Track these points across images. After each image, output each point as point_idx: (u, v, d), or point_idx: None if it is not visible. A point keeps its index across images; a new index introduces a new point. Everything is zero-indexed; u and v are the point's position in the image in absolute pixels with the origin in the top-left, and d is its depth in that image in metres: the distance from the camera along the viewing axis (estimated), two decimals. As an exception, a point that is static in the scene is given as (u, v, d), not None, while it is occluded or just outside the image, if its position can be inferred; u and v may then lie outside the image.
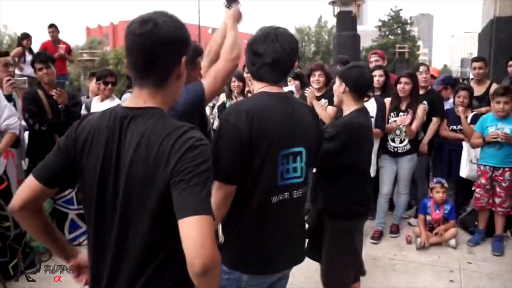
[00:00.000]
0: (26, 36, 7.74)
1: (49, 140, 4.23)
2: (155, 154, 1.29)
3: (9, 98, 4.13)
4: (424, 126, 5.08)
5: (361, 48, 39.78)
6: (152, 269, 1.35)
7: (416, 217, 5.06)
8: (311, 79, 4.95)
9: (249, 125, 1.81)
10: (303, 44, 53.89)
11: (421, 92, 5.05)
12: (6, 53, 4.81)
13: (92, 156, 1.39)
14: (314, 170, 2.85)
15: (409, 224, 5.20)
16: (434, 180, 4.79)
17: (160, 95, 1.41)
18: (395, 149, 4.78)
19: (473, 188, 4.75)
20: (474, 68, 5.67)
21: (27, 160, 4.54)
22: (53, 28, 8.12)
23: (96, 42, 51.54)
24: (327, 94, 4.73)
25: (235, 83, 5.73)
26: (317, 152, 2.09)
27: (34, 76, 5.19)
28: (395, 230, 4.91)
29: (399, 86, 4.77)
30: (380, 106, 4.61)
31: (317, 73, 4.95)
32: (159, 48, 1.34)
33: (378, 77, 5.01)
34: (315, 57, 52.25)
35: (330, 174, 2.75)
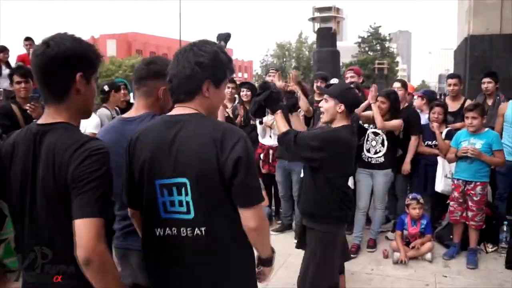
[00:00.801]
0: (3, 50, 7.66)
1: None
2: (59, 166, 1.44)
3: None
4: (401, 144, 5.14)
5: (341, 64, 40.40)
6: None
7: (393, 231, 5.10)
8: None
9: (128, 149, 1.77)
10: (284, 59, 54.40)
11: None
12: None
13: (14, 170, 1.55)
14: (302, 175, 3.04)
15: (387, 238, 5.24)
16: (410, 197, 4.85)
17: (63, 109, 1.54)
18: (369, 159, 4.84)
19: (447, 202, 4.83)
20: (449, 85, 5.83)
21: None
22: (29, 41, 8.07)
23: (76, 55, 51.24)
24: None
25: (244, 92, 5.85)
26: (216, 185, 1.63)
27: (10, 89, 5.12)
28: (372, 244, 4.94)
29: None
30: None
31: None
32: (51, 66, 1.48)
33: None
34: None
35: (317, 180, 3.01)
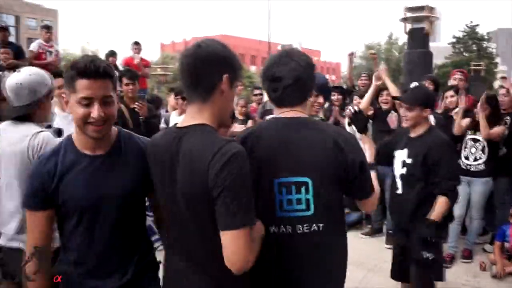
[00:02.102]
0: (112, 54, 8.40)
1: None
2: (197, 171, 1.45)
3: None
4: (506, 141, 4.83)
5: (433, 66, 38.61)
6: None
7: (492, 243, 4.86)
8: (380, 98, 4.98)
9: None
10: (372, 62, 53.19)
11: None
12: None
13: (156, 170, 1.65)
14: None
15: (484, 250, 5.00)
16: None
17: (206, 109, 1.58)
18: (468, 167, 4.68)
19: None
20: None
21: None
22: (138, 45, 8.72)
23: (169, 57, 53.77)
24: None
25: (334, 97, 5.92)
26: (335, 184, 1.75)
27: (119, 89, 5.60)
28: (468, 255, 4.75)
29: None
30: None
31: (385, 92, 4.97)
32: (201, 65, 1.55)
33: (450, 98, 4.96)
34: (384, 74, 51.28)
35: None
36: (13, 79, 2.40)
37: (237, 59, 1.65)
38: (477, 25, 50.09)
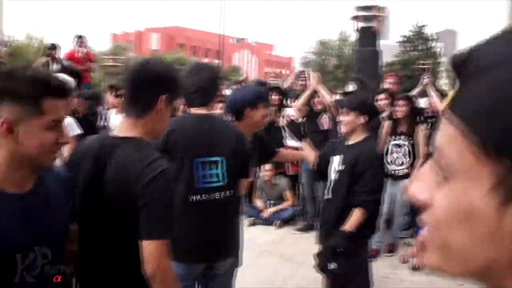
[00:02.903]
0: (53, 47, 8.19)
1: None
2: (127, 178, 1.56)
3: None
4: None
5: (383, 63, 39.72)
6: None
7: (414, 237, 5.20)
8: (313, 100, 5.21)
9: (164, 140, 2.23)
10: (325, 57, 54.05)
11: None
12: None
13: (80, 176, 1.67)
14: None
15: (407, 244, 5.34)
16: None
17: (140, 125, 1.69)
18: (393, 172, 4.85)
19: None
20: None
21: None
22: (81, 39, 8.57)
23: (120, 48, 52.54)
24: None
25: (275, 97, 5.97)
26: (238, 162, 2.39)
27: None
28: (392, 249, 5.06)
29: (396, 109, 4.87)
30: None
31: (381, 97, 5.15)
32: (141, 84, 1.68)
33: (380, 101, 5.19)
34: (336, 70, 52.33)
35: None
36: None
37: (179, 80, 1.82)
38: (425, 25, 51.92)
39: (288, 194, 5.99)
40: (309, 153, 3.26)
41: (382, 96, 5.24)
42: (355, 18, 31.73)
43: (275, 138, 5.41)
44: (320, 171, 3.31)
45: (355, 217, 2.90)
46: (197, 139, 2.31)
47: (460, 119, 0.38)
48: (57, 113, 1.39)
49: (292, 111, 5.70)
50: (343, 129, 3.17)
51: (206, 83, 2.39)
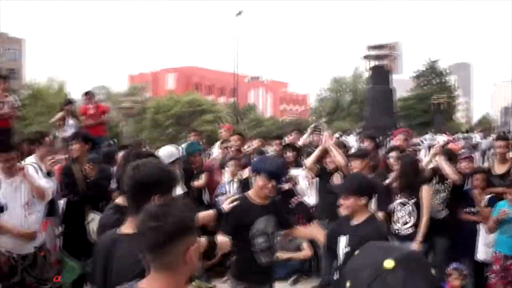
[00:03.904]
0: (69, 102, 8.43)
1: (80, 209, 4.63)
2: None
3: (49, 173, 4.59)
4: (450, 203, 4.97)
5: (396, 99, 39.70)
6: None
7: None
8: (325, 160, 5.18)
9: None
10: (339, 94, 54.37)
11: None
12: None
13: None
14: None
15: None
16: (452, 266, 4.70)
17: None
18: (397, 231, 4.68)
19: (488, 273, 4.71)
20: (498, 147, 5.62)
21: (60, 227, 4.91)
22: (88, 95, 8.72)
23: (137, 89, 53.59)
24: None
25: (289, 153, 6.05)
26: None
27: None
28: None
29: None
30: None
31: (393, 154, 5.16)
32: (138, 187, 1.94)
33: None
34: (351, 106, 52.46)
35: None
36: None
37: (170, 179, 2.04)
38: (436, 60, 52.07)
39: (305, 245, 5.81)
40: (319, 232, 3.25)
41: (393, 154, 5.23)
42: (367, 57, 32.05)
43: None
44: (331, 250, 3.26)
45: None
46: None
47: None
48: None
49: (298, 172, 5.68)
50: (343, 211, 3.16)
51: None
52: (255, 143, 6.92)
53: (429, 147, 6.07)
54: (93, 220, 4.44)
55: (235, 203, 3.21)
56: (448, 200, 5.02)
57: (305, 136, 7.11)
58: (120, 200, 2.48)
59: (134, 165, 2.00)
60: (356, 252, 1.09)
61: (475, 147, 10.22)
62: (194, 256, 1.46)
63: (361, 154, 4.81)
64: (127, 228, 1.96)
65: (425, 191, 4.69)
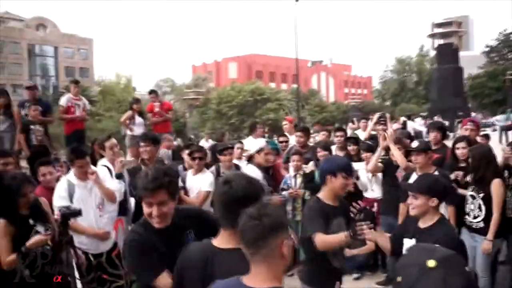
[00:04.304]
0: (136, 101, 8.80)
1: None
2: None
3: (119, 175, 4.80)
4: None
5: (466, 76, 37.45)
6: None
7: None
8: (391, 153, 5.03)
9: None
10: (404, 74, 52.53)
11: None
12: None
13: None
14: None
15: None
16: None
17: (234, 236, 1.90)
18: (470, 223, 4.38)
19: None
20: None
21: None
22: (152, 94, 9.11)
23: (200, 79, 54.76)
24: None
25: (351, 147, 6.03)
26: None
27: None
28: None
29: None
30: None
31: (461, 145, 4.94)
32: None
33: (461, 150, 4.91)
34: (417, 87, 50.58)
35: None
36: None
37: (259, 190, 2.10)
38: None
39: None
40: (384, 240, 3.14)
41: (461, 144, 4.97)
42: (432, 36, 30.53)
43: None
44: (397, 254, 3.13)
45: None
46: None
47: None
48: None
49: (360, 166, 5.57)
50: (412, 212, 3.05)
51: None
52: (319, 137, 6.89)
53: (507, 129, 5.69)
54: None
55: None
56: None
57: (369, 126, 6.98)
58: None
59: (225, 180, 2.06)
60: (404, 252, 1.25)
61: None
62: (287, 251, 1.71)
63: (423, 149, 4.58)
64: (223, 242, 2.02)
65: (496, 186, 4.29)
